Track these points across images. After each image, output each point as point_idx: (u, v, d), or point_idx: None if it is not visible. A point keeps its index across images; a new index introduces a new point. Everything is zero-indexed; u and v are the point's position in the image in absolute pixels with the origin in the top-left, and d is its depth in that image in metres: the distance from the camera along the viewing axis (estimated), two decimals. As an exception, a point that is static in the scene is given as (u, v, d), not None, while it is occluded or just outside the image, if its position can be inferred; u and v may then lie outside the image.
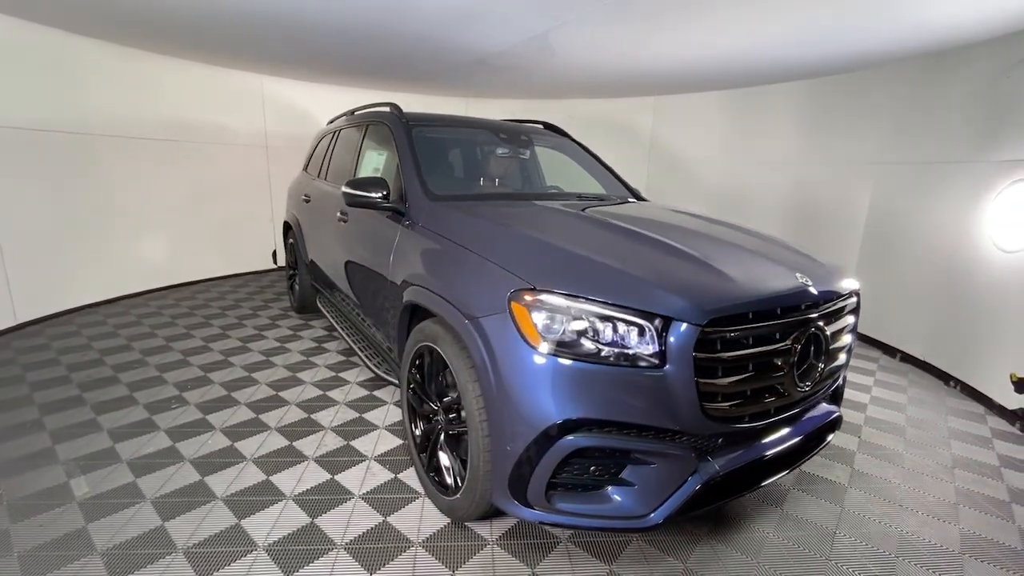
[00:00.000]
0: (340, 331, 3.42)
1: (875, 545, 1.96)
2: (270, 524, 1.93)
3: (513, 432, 1.59)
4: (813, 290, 1.75)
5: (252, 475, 2.24)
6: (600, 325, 1.52)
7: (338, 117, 4.30)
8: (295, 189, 4.53)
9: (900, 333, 4.07)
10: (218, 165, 5.75)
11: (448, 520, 1.97)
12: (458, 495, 1.88)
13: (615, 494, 1.59)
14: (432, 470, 2.09)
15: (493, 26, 3.44)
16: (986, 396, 3.23)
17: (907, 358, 3.99)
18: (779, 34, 3.41)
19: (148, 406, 2.81)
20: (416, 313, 2.22)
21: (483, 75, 5.29)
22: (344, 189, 2.51)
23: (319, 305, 4.07)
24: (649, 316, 1.51)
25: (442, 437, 2.04)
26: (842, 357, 1.96)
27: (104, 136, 4.63)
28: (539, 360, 1.53)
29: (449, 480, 2.00)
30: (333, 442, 2.50)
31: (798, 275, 1.80)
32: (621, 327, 1.51)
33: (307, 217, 4.06)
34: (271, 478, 2.22)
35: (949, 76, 3.66)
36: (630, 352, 1.50)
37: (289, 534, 1.88)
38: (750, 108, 5.50)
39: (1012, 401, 3.04)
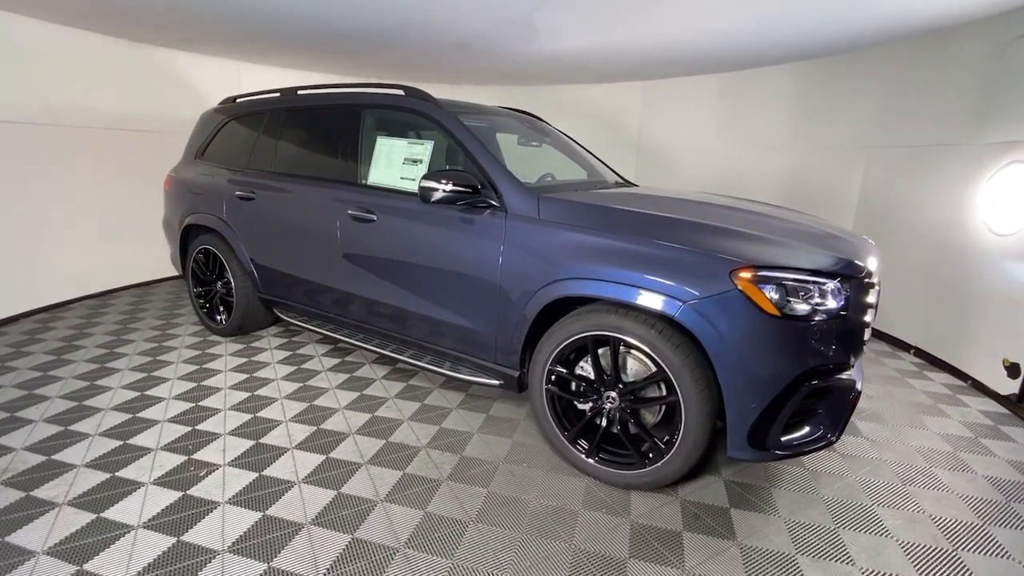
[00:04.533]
0: (350, 342, 3.02)
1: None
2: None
3: (759, 390, 1.82)
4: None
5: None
6: (810, 288, 1.85)
7: (244, 97, 3.63)
8: (206, 186, 3.61)
9: (891, 318, 3.94)
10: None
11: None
12: (656, 465, 2.02)
13: (808, 424, 1.98)
14: (600, 451, 2.18)
15: (475, 4, 3.27)
16: (980, 382, 3.17)
17: (897, 343, 3.90)
18: (769, 16, 3.29)
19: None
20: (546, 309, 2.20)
21: (465, 59, 4.85)
22: (427, 183, 2.29)
23: (285, 317, 3.39)
24: (836, 276, 1.89)
25: (603, 419, 2.14)
26: None
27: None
28: (777, 325, 1.79)
29: (622, 458, 2.12)
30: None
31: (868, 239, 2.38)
32: (822, 288, 1.86)
33: (252, 218, 3.32)
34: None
35: (940, 57, 3.55)
36: (829, 307, 1.87)
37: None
38: (740, 92, 5.33)
39: (1004, 387, 3.02)
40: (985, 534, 1.95)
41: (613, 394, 2.12)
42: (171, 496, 2.04)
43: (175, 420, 2.61)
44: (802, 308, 1.81)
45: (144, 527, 1.88)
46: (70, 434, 2.47)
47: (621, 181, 3.36)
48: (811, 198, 4.66)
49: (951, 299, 3.45)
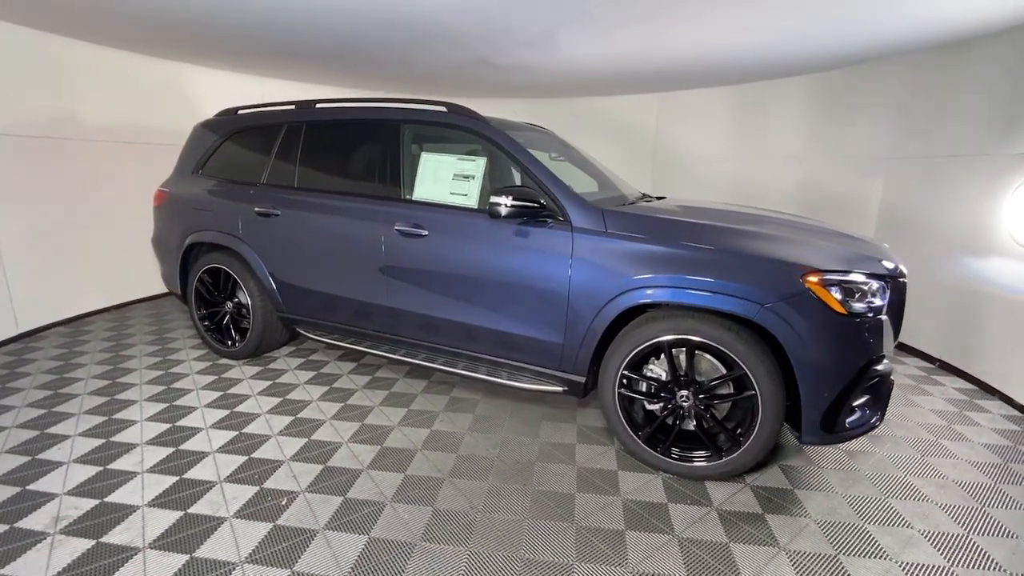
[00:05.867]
0: (393, 357, 2.99)
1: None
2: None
3: (833, 378, 2.05)
4: None
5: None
6: (864, 289, 2.10)
7: (246, 109, 3.53)
8: (213, 202, 3.43)
9: (914, 330, 3.87)
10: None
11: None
12: (732, 456, 2.21)
13: (860, 410, 2.23)
14: (673, 446, 2.33)
15: (498, 25, 3.33)
16: (1006, 395, 3.14)
17: (922, 355, 3.85)
18: (788, 28, 3.31)
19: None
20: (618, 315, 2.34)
21: (484, 73, 4.88)
22: (500, 200, 2.37)
23: (311, 336, 3.27)
24: (883, 279, 2.17)
25: (677, 417, 2.31)
26: None
27: None
28: (843, 321, 2.03)
29: (699, 451, 2.30)
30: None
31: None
32: (873, 288, 2.12)
33: (275, 235, 3.19)
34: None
35: (963, 67, 3.52)
36: (877, 304, 2.13)
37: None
38: (757, 103, 5.32)
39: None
40: (998, 490, 2.30)
41: (685, 393, 2.29)
42: (262, 528, 1.97)
43: (225, 451, 2.49)
44: (859, 306, 2.06)
45: (248, 562, 1.81)
46: (114, 473, 2.29)
47: (644, 195, 3.53)
48: (830, 208, 4.62)
49: (975, 310, 3.42)
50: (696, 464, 2.30)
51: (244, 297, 3.43)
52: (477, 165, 2.72)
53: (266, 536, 1.93)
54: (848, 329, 2.04)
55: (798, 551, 1.91)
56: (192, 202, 3.52)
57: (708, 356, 2.27)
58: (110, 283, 4.68)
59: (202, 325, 3.62)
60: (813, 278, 2.04)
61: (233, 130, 3.55)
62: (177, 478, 2.27)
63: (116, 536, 1.92)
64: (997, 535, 2.02)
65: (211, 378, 3.29)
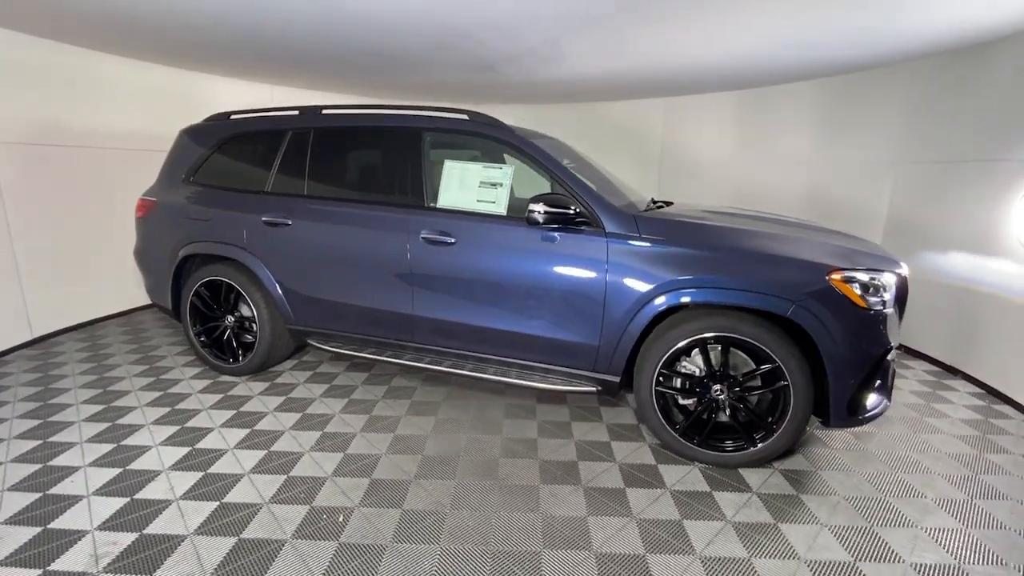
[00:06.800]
0: (416, 365, 2.97)
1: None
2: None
3: (857, 365, 2.24)
4: None
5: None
6: (880, 284, 2.32)
7: (239, 114, 3.41)
8: (212, 212, 3.26)
9: (921, 336, 3.93)
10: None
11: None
12: (766, 443, 2.37)
13: (876, 393, 2.45)
14: (710, 437, 2.47)
15: (506, 32, 3.36)
16: (1016, 401, 3.13)
17: (930, 361, 3.84)
18: (795, 34, 3.33)
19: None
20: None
21: (490, 81, 4.87)
22: (539, 207, 2.45)
23: (325, 347, 3.16)
24: (893, 275, 2.40)
25: (710, 410, 2.46)
26: None
27: None
28: (865, 314, 2.24)
29: (730, 441, 2.45)
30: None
31: None
32: (885, 283, 2.34)
33: (286, 245, 3.07)
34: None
35: (971, 72, 3.53)
36: (887, 298, 2.35)
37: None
38: (763, 108, 5.32)
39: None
40: (984, 459, 2.60)
41: (719, 387, 2.43)
42: (328, 548, 1.93)
43: (260, 471, 2.40)
44: (875, 300, 2.28)
45: (325, 582, 1.77)
46: (145, 504, 2.15)
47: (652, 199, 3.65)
48: (838, 214, 4.64)
49: (983, 316, 3.44)
50: (729, 455, 2.45)
51: (248, 310, 3.29)
52: (504, 173, 2.76)
53: (334, 555, 1.89)
54: (868, 321, 2.25)
55: (838, 526, 2.09)
56: (186, 211, 3.33)
57: (738, 351, 2.43)
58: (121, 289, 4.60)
59: (198, 341, 3.42)
60: (837, 276, 2.24)
61: (227, 136, 3.40)
62: (217, 503, 2.16)
63: (172, 570, 1.82)
64: (994, 498, 2.29)
65: (217, 396, 3.13)
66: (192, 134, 3.52)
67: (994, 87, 3.40)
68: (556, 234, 2.58)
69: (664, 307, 2.41)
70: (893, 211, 4.24)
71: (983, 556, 1.94)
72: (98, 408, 2.97)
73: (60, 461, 2.45)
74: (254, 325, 3.29)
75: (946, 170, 3.76)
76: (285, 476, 2.36)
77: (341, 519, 2.08)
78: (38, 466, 2.41)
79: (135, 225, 3.59)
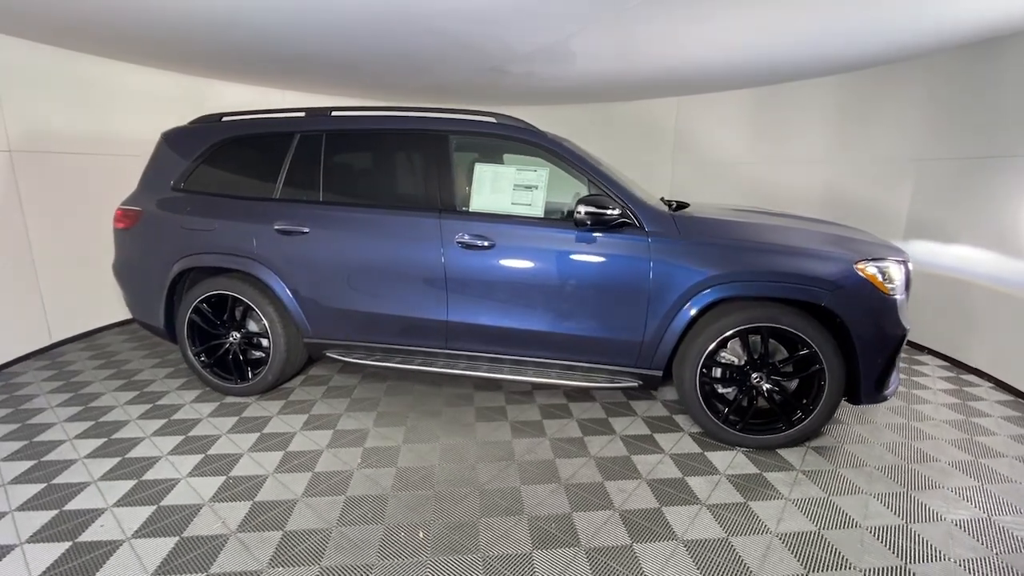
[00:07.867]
0: (449, 372, 2.91)
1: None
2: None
3: (883, 346, 2.45)
4: None
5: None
6: (896, 272, 2.55)
7: (232, 116, 3.21)
8: (212, 221, 3.01)
9: (943, 336, 3.92)
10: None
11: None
12: (802, 424, 2.55)
13: (895, 371, 2.68)
14: (749, 423, 2.62)
15: (514, 30, 3.32)
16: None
17: (952, 362, 3.83)
18: (810, 30, 3.28)
19: None
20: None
21: (500, 82, 4.77)
22: (587, 209, 2.49)
23: (347, 359, 2.99)
24: (903, 264, 2.64)
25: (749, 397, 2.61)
26: None
27: None
28: (891, 300, 2.46)
29: (767, 424, 2.61)
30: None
31: None
32: (902, 271, 2.58)
33: (304, 255, 2.89)
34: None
35: (993, 66, 3.46)
36: (901, 284, 2.61)
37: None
38: (778, 105, 5.20)
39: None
40: (971, 422, 2.94)
41: (757, 375, 2.59)
42: (421, 568, 1.86)
43: (316, 494, 2.27)
44: (893, 286, 2.52)
45: (430, 602, 1.71)
46: (197, 543, 1.98)
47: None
48: (858, 212, 4.52)
49: (1007, 316, 3.40)
50: (767, 436, 2.61)
51: (258, 325, 3.08)
52: (539, 176, 2.77)
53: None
54: (891, 306, 2.48)
55: (880, 492, 2.30)
56: (181, 222, 3.06)
57: (773, 340, 2.59)
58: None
59: (199, 361, 3.16)
60: (862, 265, 2.45)
61: (221, 139, 3.15)
62: (280, 532, 2.03)
63: (260, 607, 1.69)
64: (994, 456, 2.60)
65: (231, 420, 2.91)
66: (177, 136, 3.24)
67: (1018, 80, 3.34)
68: (597, 234, 2.63)
69: (708, 301, 2.53)
70: (914, 208, 4.13)
71: (1006, 507, 2.21)
72: (99, 442, 2.67)
73: (77, 505, 2.18)
74: (264, 341, 3.09)
75: (970, 166, 3.66)
76: (344, 496, 2.25)
77: (421, 535, 2.02)
78: (54, 512, 2.14)
79: (114, 237, 3.26)
